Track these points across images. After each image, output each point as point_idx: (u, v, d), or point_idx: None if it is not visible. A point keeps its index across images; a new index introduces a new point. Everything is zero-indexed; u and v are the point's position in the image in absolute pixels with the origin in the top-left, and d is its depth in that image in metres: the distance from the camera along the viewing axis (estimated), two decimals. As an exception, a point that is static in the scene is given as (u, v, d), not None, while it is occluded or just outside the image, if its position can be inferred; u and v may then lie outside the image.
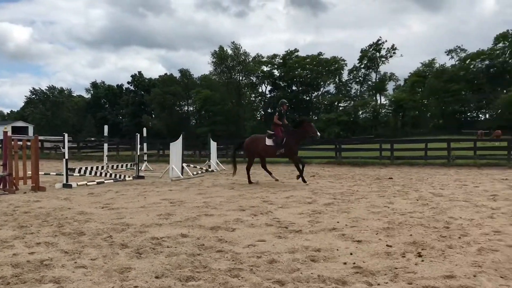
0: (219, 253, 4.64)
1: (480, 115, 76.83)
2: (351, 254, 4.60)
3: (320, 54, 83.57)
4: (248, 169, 12.96)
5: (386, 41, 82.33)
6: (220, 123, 78.89)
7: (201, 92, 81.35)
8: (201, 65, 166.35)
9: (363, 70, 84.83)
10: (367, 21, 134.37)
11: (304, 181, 12.08)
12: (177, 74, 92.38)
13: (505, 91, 67.36)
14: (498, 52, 73.18)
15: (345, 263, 4.26)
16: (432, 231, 5.68)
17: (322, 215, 6.99)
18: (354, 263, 4.24)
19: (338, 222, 6.36)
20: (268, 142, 12.28)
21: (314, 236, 5.44)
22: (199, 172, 16.29)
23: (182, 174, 14.35)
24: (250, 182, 12.58)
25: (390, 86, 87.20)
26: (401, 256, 4.51)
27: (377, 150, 21.27)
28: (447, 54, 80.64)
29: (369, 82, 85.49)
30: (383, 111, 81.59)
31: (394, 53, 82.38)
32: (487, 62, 73.99)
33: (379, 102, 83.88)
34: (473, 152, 20.31)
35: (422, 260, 4.34)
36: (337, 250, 4.76)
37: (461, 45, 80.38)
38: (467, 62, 76.26)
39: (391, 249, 4.79)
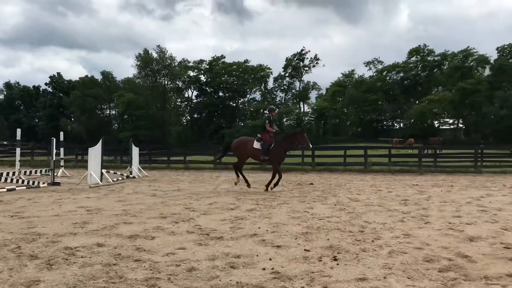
0: (137, 263, 4.51)
1: (395, 124, 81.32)
2: (270, 259, 4.67)
3: (246, 61, 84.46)
4: (236, 168, 12.73)
5: (309, 51, 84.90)
6: (144, 127, 76.96)
7: (124, 96, 78.90)
8: (125, 67, 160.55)
9: (287, 79, 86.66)
10: (291, 30, 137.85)
11: (267, 189, 12.16)
12: (98, 76, 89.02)
13: (417, 102, 72.08)
14: (411, 65, 78.15)
15: (264, 269, 4.31)
16: (347, 235, 5.92)
17: (244, 221, 7.04)
18: (273, 269, 4.31)
19: (259, 228, 6.44)
20: (256, 145, 12.25)
21: (235, 243, 5.46)
22: (120, 178, 15.77)
23: (101, 181, 13.81)
24: (247, 182, 12.54)
25: (313, 94, 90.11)
26: (318, 260, 4.65)
27: (300, 157, 21.83)
28: (366, 66, 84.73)
29: (293, 91, 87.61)
30: (306, 118, 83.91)
31: (317, 63, 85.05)
32: (401, 74, 78.79)
33: (302, 110, 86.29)
34: (388, 159, 21.49)
35: (338, 264, 4.50)
36: (257, 256, 4.81)
37: (378, 57, 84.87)
38: (384, 74, 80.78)
39: (308, 253, 4.93)
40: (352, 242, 5.52)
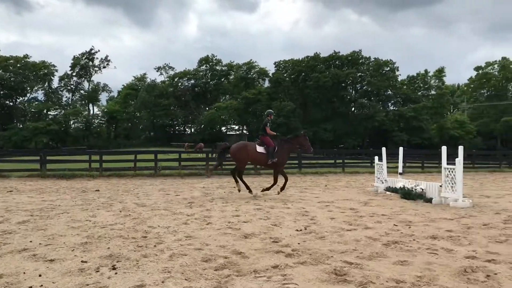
0: None
1: (187, 129, 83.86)
2: (40, 275, 4.25)
3: (26, 56, 75.81)
4: (240, 176, 11.84)
5: (99, 51, 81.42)
6: None
7: None
8: None
9: (75, 78, 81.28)
10: (78, 28, 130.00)
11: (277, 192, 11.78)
12: None
13: (207, 108, 75.97)
14: (201, 73, 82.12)
15: (30, 287, 3.88)
16: (130, 242, 5.78)
17: (13, 235, 6.25)
18: (42, 286, 3.93)
19: (31, 241, 5.80)
20: (260, 149, 11.34)
21: (-2, 261, 4.79)
22: None
23: None
24: (250, 190, 11.70)
25: (104, 96, 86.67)
26: (95, 271, 4.41)
27: (87, 162, 20.64)
28: (157, 71, 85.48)
29: (82, 91, 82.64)
30: (96, 121, 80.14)
31: (107, 64, 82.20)
32: (192, 81, 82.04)
33: (92, 112, 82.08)
34: (178, 163, 21.92)
35: (116, 273, 4.35)
36: (24, 273, 4.32)
37: (169, 63, 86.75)
38: (176, 80, 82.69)
39: (85, 264, 4.64)
40: (134, 248, 5.41)
